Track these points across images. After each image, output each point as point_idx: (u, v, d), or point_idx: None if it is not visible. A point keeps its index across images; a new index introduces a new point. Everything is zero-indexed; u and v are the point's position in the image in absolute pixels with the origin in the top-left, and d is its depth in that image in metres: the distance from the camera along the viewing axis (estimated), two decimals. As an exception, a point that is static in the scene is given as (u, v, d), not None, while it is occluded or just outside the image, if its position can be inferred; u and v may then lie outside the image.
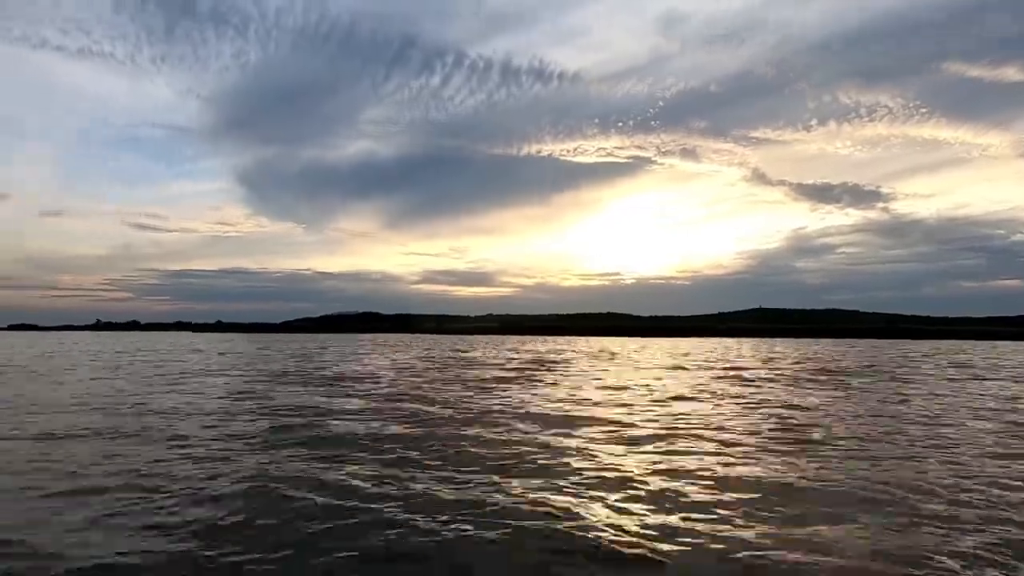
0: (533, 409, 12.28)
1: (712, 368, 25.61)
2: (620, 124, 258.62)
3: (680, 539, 4.94)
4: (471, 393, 15.32)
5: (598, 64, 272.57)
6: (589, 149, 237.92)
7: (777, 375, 22.06)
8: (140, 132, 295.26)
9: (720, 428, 10.19)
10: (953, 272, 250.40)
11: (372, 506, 5.74)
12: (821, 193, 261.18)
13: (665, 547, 4.76)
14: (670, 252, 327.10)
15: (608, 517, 5.49)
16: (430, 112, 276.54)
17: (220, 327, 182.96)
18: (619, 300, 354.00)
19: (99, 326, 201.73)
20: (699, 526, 5.24)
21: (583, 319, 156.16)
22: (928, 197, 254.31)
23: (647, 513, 5.61)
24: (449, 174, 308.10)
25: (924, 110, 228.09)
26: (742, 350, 48.75)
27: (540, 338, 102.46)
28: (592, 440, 9.10)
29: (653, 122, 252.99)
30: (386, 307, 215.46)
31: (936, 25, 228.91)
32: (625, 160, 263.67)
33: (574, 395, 14.91)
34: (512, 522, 5.29)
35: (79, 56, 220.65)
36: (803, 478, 6.86)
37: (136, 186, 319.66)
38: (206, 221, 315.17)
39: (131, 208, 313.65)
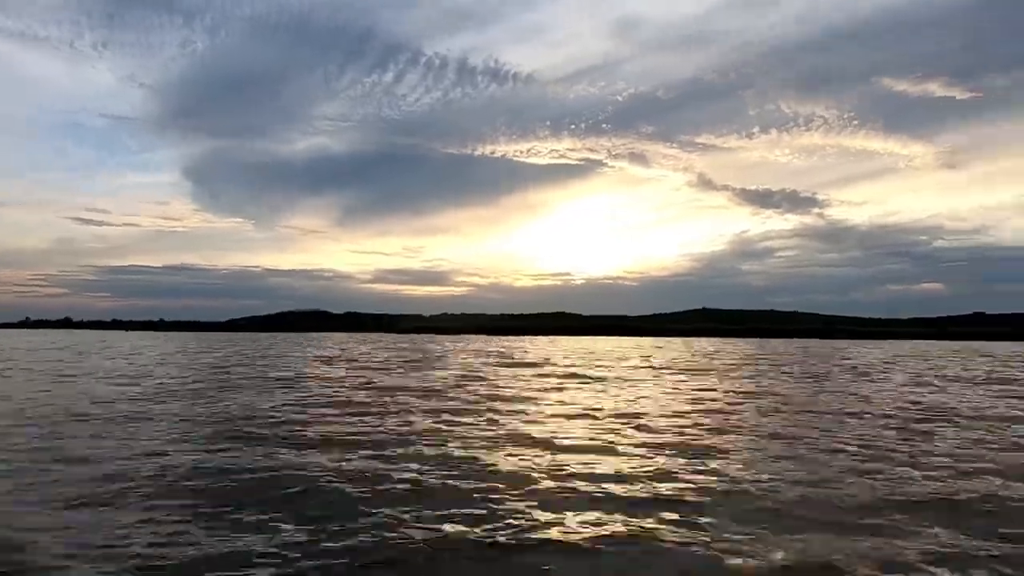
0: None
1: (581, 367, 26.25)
2: (572, 126, 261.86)
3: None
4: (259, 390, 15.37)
5: (553, 65, 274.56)
6: (542, 150, 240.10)
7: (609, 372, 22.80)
8: (80, 120, 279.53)
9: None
10: (881, 276, 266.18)
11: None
12: (762, 199, 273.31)
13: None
14: (619, 254, 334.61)
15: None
16: (384, 109, 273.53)
17: (162, 325, 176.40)
18: (570, 300, 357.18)
19: (28, 324, 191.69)
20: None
21: (534, 319, 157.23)
22: (860, 204, 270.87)
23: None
24: (403, 172, 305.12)
25: (856, 121, 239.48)
26: (663, 349, 50.03)
27: (484, 337, 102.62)
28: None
29: (604, 125, 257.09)
30: (338, 306, 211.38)
31: (869, 39, 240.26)
32: (576, 162, 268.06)
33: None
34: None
35: (13, 39, 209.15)
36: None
37: (76, 177, 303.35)
38: (150, 215, 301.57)
39: (70, 200, 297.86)
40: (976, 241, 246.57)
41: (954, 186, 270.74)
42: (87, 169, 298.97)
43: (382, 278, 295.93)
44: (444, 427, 9.83)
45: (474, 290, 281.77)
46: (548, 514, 5.38)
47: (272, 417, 10.66)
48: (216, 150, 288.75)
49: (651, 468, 7.10)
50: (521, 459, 7.53)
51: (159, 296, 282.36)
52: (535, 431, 9.49)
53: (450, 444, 8.40)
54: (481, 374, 20.86)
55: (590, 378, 19.34)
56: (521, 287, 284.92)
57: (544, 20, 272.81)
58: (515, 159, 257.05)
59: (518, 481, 6.47)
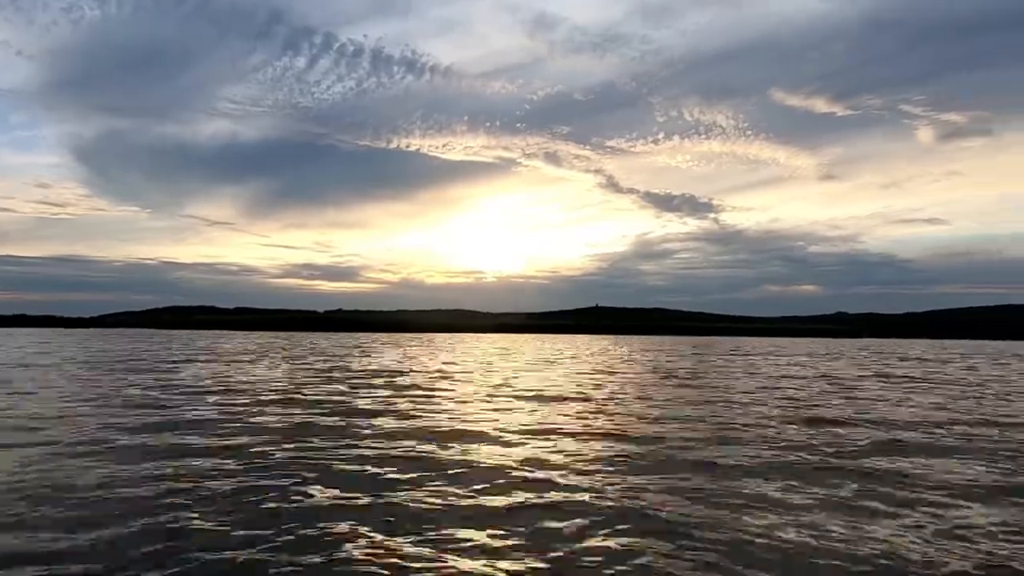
0: None
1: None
2: (488, 124, 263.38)
3: None
4: None
5: (471, 61, 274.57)
6: (457, 146, 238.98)
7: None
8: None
9: None
10: (764, 278, 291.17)
11: None
12: (665, 202, 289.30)
13: None
14: (530, 252, 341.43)
15: None
16: (295, 95, 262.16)
17: (23, 321, 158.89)
18: (480, 297, 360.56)
19: None
20: None
21: (436, 315, 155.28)
22: (749, 210, 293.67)
23: None
24: (315, 163, 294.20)
25: (751, 131, 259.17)
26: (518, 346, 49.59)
27: (384, 336, 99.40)
28: None
29: (519, 124, 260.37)
30: (244, 301, 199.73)
31: (763, 55, 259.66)
32: (492, 160, 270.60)
33: None
34: None
35: None
36: None
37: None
38: (29, 199, 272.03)
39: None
40: (847, 247, 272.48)
41: (832, 196, 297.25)
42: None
43: (292, 273, 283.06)
44: None
45: (386, 286, 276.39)
46: None
47: None
48: (110, 130, 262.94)
49: None
50: None
51: (35, 289, 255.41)
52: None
53: None
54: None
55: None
56: (433, 284, 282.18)
57: (461, 14, 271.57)
58: (430, 154, 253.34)
59: None
